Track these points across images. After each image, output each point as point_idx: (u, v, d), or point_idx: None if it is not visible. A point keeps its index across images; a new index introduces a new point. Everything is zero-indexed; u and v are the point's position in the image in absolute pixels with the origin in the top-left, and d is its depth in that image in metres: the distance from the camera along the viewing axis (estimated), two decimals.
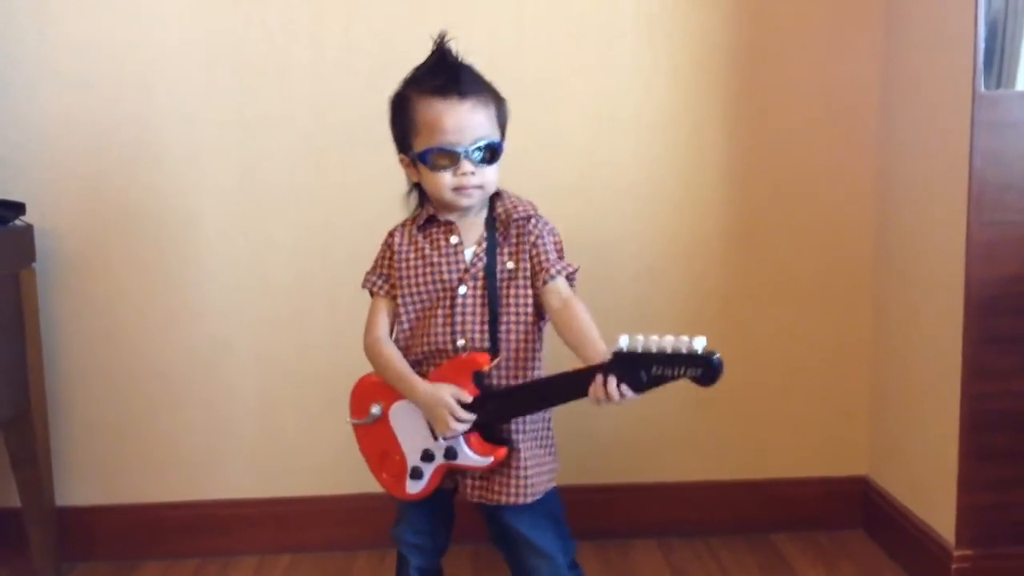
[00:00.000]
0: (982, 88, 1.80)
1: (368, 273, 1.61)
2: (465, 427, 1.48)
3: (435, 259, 1.53)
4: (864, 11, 2.17)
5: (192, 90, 2.13)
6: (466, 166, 1.48)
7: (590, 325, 1.47)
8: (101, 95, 2.12)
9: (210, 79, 2.13)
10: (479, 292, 1.51)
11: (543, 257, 1.52)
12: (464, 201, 1.50)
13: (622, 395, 1.34)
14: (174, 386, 2.22)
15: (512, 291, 1.52)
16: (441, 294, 1.52)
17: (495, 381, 1.52)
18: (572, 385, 1.40)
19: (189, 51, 2.12)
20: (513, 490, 1.52)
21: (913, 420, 2.10)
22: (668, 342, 1.29)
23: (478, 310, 1.51)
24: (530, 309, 1.52)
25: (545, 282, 1.51)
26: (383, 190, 2.15)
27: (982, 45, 1.79)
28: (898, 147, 2.14)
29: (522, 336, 1.52)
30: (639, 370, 1.31)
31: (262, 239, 2.18)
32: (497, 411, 1.49)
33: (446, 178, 1.49)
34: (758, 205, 2.23)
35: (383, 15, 2.13)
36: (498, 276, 1.52)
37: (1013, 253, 1.83)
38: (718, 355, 1.28)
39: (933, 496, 2.00)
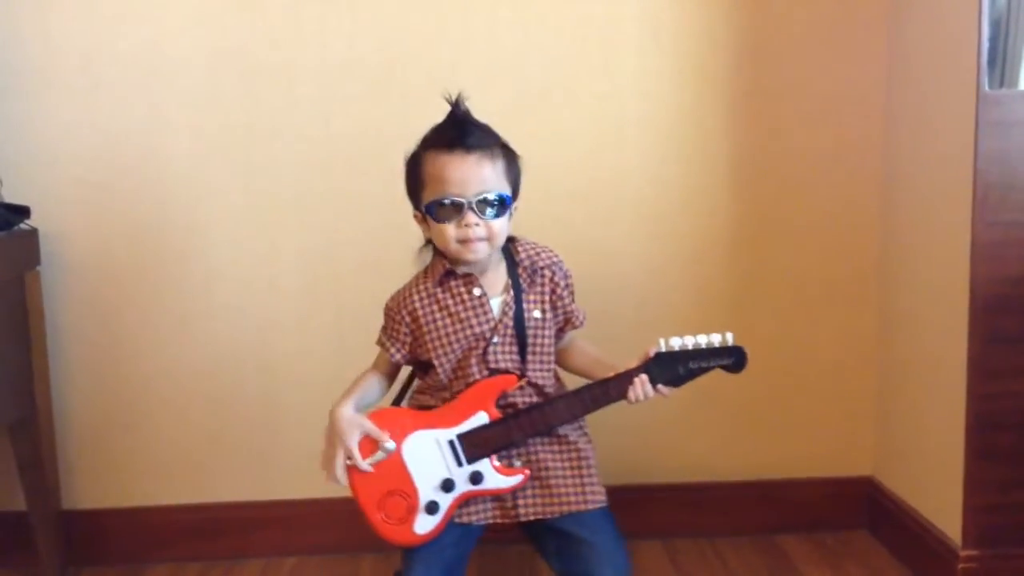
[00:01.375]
0: (986, 87, 1.80)
1: (382, 332, 1.63)
2: (342, 476, 1.52)
3: (462, 314, 1.53)
4: (868, 11, 2.17)
5: (197, 96, 2.14)
6: (470, 217, 1.47)
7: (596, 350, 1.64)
8: (106, 101, 2.13)
9: (215, 85, 2.13)
10: (509, 339, 1.53)
11: (569, 309, 1.61)
12: (469, 255, 1.50)
13: (659, 392, 1.49)
14: (179, 389, 2.22)
15: (540, 338, 1.56)
16: (474, 344, 1.53)
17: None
18: (611, 389, 1.50)
19: (194, 57, 2.12)
20: (583, 497, 1.53)
21: (919, 420, 2.10)
22: (701, 339, 1.48)
23: (509, 356, 1.53)
24: (553, 351, 1.59)
25: (568, 331, 1.62)
26: (388, 196, 2.15)
27: (986, 44, 1.79)
28: (902, 147, 2.14)
29: (546, 373, 1.57)
30: (677, 366, 1.49)
31: (268, 244, 2.19)
32: (526, 428, 1.51)
33: (450, 230, 1.49)
34: (763, 207, 2.23)
35: (388, 22, 2.13)
36: (526, 324, 1.54)
37: (1018, 253, 1.83)
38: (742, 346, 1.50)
39: (939, 496, 2.00)
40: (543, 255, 1.58)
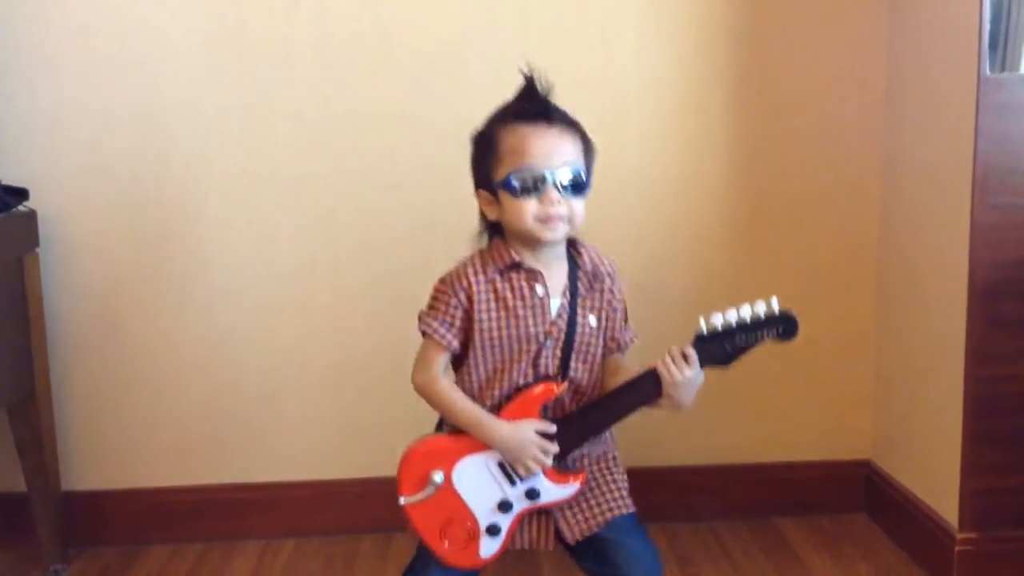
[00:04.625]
0: (987, 71, 1.79)
1: (427, 316, 1.47)
2: (550, 461, 1.43)
3: (520, 311, 1.43)
4: None
5: (195, 76, 2.13)
6: (552, 193, 1.38)
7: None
8: (105, 82, 2.12)
9: (214, 66, 2.12)
10: (560, 342, 1.46)
11: (619, 325, 1.52)
12: (548, 234, 1.40)
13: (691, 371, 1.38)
14: (179, 370, 2.22)
15: (590, 344, 1.48)
16: (525, 345, 1.44)
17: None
18: (649, 384, 1.41)
19: (192, 37, 2.11)
20: (621, 501, 1.48)
21: (917, 404, 2.10)
22: (744, 312, 1.37)
23: (558, 359, 1.46)
24: (600, 361, 1.51)
25: (612, 351, 1.52)
26: (387, 177, 2.17)
27: (987, 28, 1.78)
28: (903, 131, 2.13)
29: (589, 379, 1.50)
30: (723, 344, 1.38)
31: (266, 226, 2.18)
32: (575, 435, 1.46)
33: (531, 206, 1.39)
34: (763, 190, 2.23)
35: (387, 2, 2.12)
36: (579, 329, 1.46)
37: (1017, 236, 1.83)
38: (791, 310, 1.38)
39: (936, 480, 2.01)
40: (606, 262, 1.50)
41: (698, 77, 2.18)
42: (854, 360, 2.30)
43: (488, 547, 1.47)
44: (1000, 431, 1.89)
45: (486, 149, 1.45)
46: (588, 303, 1.48)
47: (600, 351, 1.50)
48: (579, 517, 1.47)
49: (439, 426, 1.54)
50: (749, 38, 2.17)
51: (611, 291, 1.50)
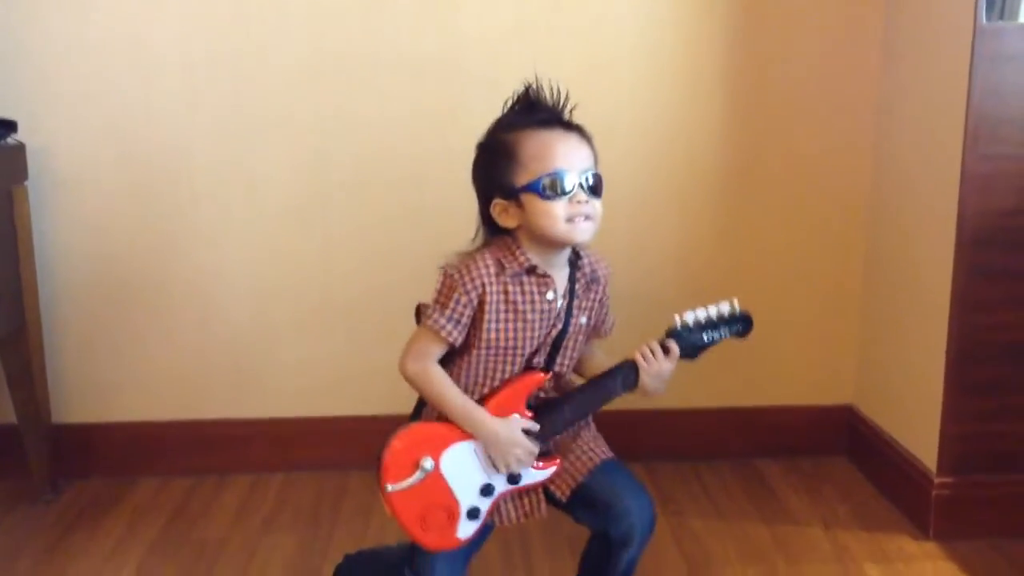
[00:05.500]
0: (984, 20, 1.78)
1: (433, 312, 1.44)
2: (533, 460, 1.47)
3: (529, 315, 1.45)
4: None
5: (186, 13, 2.10)
6: (580, 194, 1.40)
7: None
8: (94, 15, 2.09)
9: (205, 2, 2.09)
10: (553, 337, 1.49)
11: (603, 318, 1.56)
12: (577, 235, 1.41)
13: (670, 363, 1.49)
14: (169, 305, 2.22)
15: (578, 340, 1.52)
16: (530, 347, 1.47)
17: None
18: (627, 374, 1.48)
19: None
20: (599, 449, 1.52)
21: (900, 350, 2.13)
22: (711, 311, 1.49)
23: (547, 353, 1.50)
24: (580, 352, 1.55)
25: (591, 339, 1.57)
26: (377, 117, 2.15)
27: None
28: (898, 80, 2.12)
29: (570, 369, 1.54)
30: (693, 340, 1.50)
31: (255, 164, 2.17)
32: (556, 423, 1.49)
33: (559, 208, 1.39)
34: (755, 138, 2.23)
35: None
36: (571, 328, 1.50)
37: (1007, 186, 1.84)
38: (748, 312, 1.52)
39: (917, 425, 2.04)
40: (602, 265, 1.53)
41: (694, 27, 2.16)
42: (840, 306, 2.32)
43: (466, 529, 1.49)
44: (981, 379, 1.91)
45: (502, 156, 1.43)
46: (583, 304, 1.51)
47: (582, 344, 1.54)
48: (565, 475, 1.50)
49: (416, 412, 1.55)
50: None
51: (604, 292, 1.55)
